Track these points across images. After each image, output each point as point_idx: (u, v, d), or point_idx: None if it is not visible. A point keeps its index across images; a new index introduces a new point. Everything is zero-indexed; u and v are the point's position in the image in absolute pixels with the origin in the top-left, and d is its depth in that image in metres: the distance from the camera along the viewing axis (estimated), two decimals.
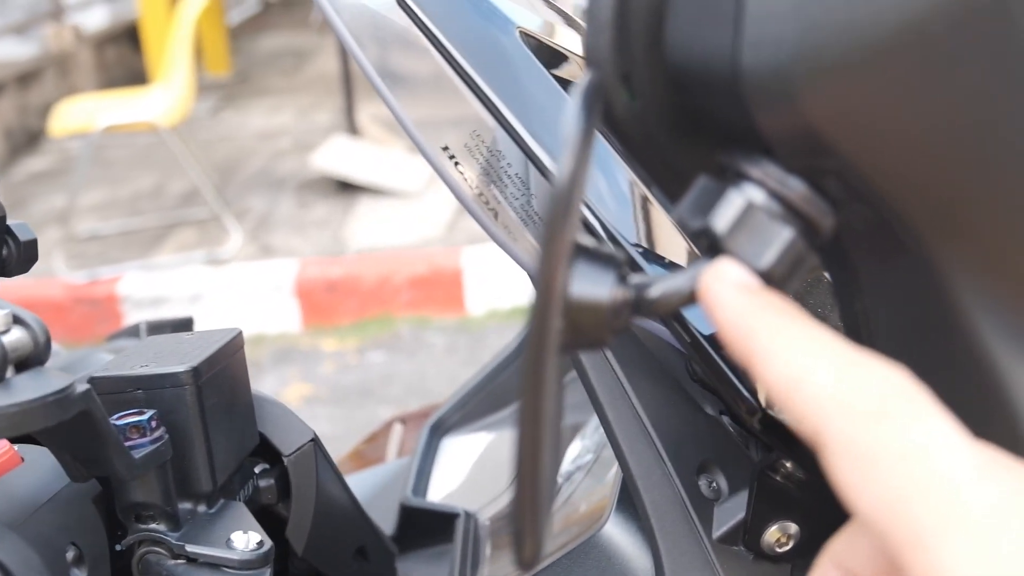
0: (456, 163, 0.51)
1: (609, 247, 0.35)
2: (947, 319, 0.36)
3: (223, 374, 0.58)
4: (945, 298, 0.36)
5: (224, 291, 3.62)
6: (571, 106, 0.30)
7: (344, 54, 4.52)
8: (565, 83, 0.52)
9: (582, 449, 0.91)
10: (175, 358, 0.57)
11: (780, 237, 0.33)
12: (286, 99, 5.93)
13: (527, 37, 0.52)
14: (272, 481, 0.62)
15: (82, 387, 0.47)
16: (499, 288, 3.53)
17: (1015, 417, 0.38)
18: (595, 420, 0.92)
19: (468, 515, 0.80)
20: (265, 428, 0.63)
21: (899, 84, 0.30)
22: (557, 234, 0.28)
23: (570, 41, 0.54)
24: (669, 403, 0.56)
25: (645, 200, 0.52)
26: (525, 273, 0.57)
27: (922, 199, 0.33)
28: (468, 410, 0.97)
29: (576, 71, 0.53)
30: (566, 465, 0.90)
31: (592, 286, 0.34)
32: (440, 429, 0.97)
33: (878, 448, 0.28)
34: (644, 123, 0.37)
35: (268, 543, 0.54)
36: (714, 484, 0.55)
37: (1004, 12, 0.30)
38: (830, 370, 0.29)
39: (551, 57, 0.52)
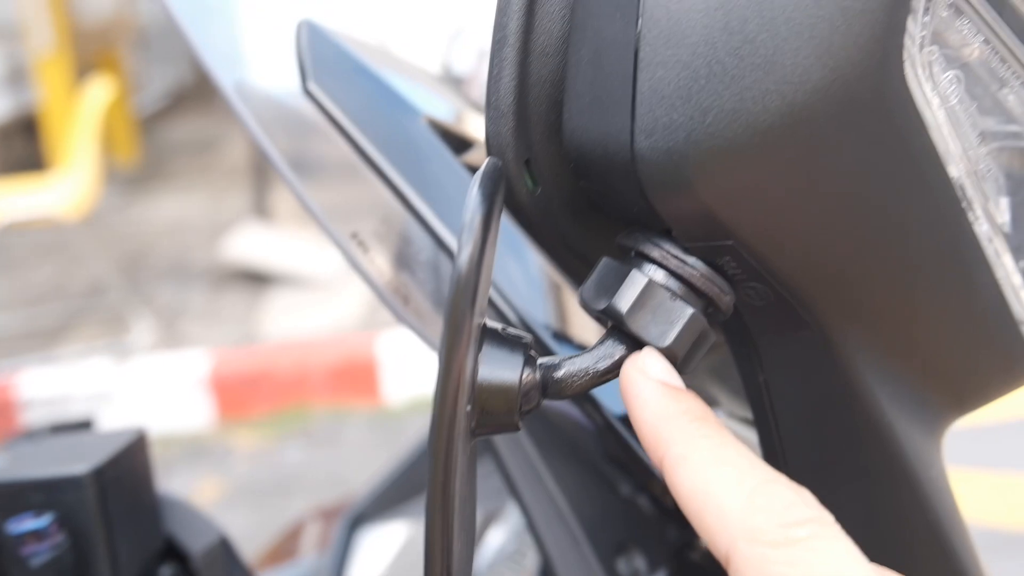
0: (365, 250, 0.50)
1: (516, 330, 0.35)
2: (846, 389, 0.37)
3: (126, 475, 0.56)
4: (843, 370, 0.37)
5: (132, 387, 3.53)
6: (471, 192, 0.30)
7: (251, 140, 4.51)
8: (473, 169, 0.52)
9: (505, 537, 0.89)
10: (75, 459, 0.54)
11: (682, 315, 0.35)
12: (197, 188, 5.89)
13: (434, 125, 0.52)
14: None
15: None
16: (417, 376, 3.50)
17: (915, 477, 0.39)
18: (515, 509, 0.91)
19: None
20: (171, 529, 0.60)
21: (786, 167, 0.31)
22: (461, 318, 0.28)
23: (477, 128, 0.54)
24: (584, 484, 0.56)
25: (553, 283, 0.53)
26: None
27: (813, 278, 0.34)
28: (385, 500, 0.96)
29: (483, 157, 0.53)
30: (489, 555, 0.89)
31: (500, 369, 0.34)
32: (357, 521, 0.94)
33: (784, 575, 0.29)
34: (546, 208, 0.38)
35: None
36: (633, 565, 0.55)
37: (881, 102, 0.32)
38: (740, 493, 0.31)
39: (458, 144, 0.53)
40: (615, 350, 0.35)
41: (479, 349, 0.33)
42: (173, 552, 0.60)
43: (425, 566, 0.30)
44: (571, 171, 0.37)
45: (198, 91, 8.16)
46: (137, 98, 6.92)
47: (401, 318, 0.51)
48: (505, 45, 0.35)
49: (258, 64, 0.52)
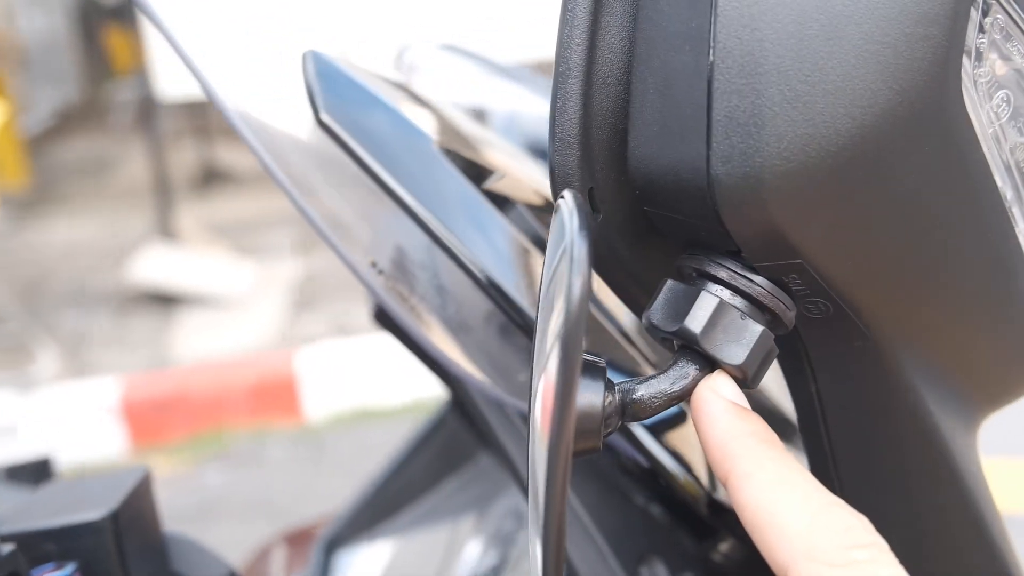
0: (385, 278, 0.50)
1: (592, 355, 0.36)
2: (895, 394, 0.40)
3: (138, 516, 0.55)
4: (893, 375, 0.39)
5: (39, 418, 3.43)
6: (570, 225, 0.31)
7: (156, 160, 4.43)
8: (491, 196, 0.53)
9: (482, 550, 0.90)
10: (89, 505, 0.54)
11: (753, 333, 0.36)
12: (93, 210, 5.74)
13: (447, 152, 0.53)
14: None
15: (7, 548, 0.44)
16: (338, 391, 3.47)
17: (958, 474, 0.42)
18: (493, 520, 0.91)
19: None
20: (179, 568, 0.60)
21: (854, 187, 0.33)
22: (575, 350, 0.29)
23: (489, 155, 0.55)
24: (604, 497, 0.57)
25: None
26: (467, 384, 0.56)
27: (874, 291, 0.36)
28: (362, 520, 0.95)
29: (506, 183, 0.54)
30: (467, 570, 0.89)
31: (585, 395, 0.35)
32: (334, 543, 0.94)
33: None
34: (606, 234, 0.39)
35: None
36: (655, 573, 0.56)
37: (941, 121, 0.34)
38: (803, 514, 0.33)
39: (470, 170, 0.53)
40: (688, 371, 0.37)
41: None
42: None
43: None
44: (633, 198, 0.38)
45: (87, 111, 7.96)
46: (23, 119, 6.72)
47: (426, 344, 0.51)
48: (569, 77, 0.36)
49: (263, 94, 0.52)
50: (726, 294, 0.36)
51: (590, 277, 0.29)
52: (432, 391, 3.21)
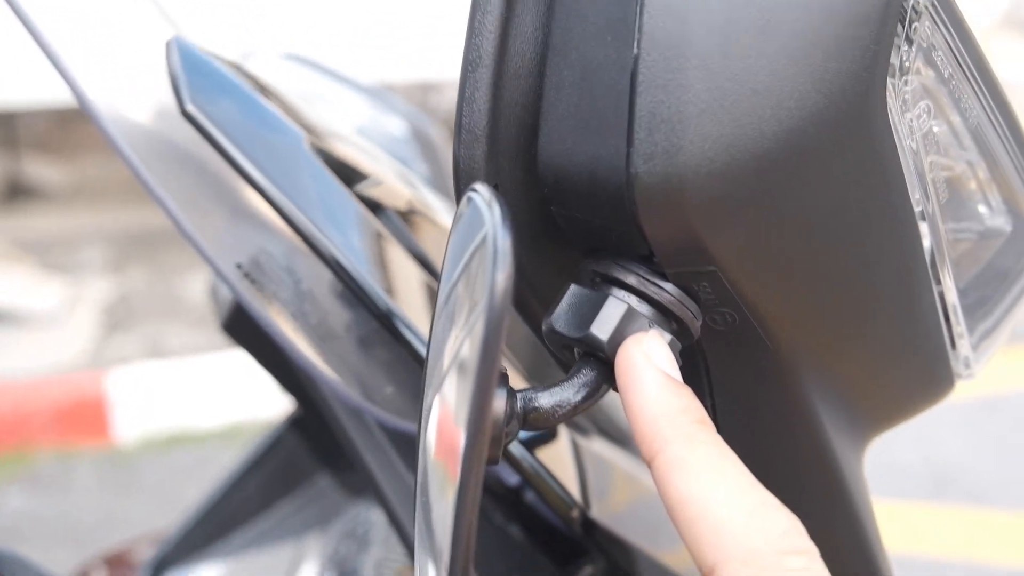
0: (252, 281, 0.49)
1: None
2: (792, 409, 0.39)
3: None
4: (791, 391, 0.38)
5: None
6: (491, 217, 0.29)
7: None
8: (361, 198, 0.51)
9: (319, 573, 0.88)
10: None
11: None
12: None
13: (316, 148, 0.51)
14: None
15: None
16: (151, 414, 3.34)
17: (846, 492, 0.42)
18: (331, 542, 0.89)
19: None
20: None
21: (777, 193, 0.33)
22: (494, 350, 0.28)
23: (358, 155, 0.54)
24: None
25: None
26: (331, 391, 0.55)
27: (784, 303, 0.36)
28: (191, 541, 0.91)
29: (372, 184, 0.53)
30: None
31: None
32: (162, 565, 0.90)
33: None
34: None
35: None
36: None
37: (865, 129, 0.34)
38: (739, 511, 0.31)
39: (337, 167, 0.52)
40: (591, 379, 0.35)
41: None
42: None
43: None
44: (538, 197, 0.37)
45: None
46: None
47: (290, 350, 0.50)
48: (479, 66, 0.35)
49: (125, 84, 0.50)
50: (633, 300, 0.35)
51: (513, 271, 0.28)
52: (249, 416, 3.14)
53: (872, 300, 0.38)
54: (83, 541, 2.69)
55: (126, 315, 3.93)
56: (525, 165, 0.36)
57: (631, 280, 0.35)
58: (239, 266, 0.49)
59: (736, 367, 0.39)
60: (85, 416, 3.31)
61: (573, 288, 0.36)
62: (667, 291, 0.35)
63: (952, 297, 0.40)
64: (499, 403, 0.33)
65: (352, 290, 0.49)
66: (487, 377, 0.27)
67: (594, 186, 0.34)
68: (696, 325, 0.36)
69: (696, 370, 0.40)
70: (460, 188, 0.36)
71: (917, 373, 0.42)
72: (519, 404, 0.34)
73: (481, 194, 0.31)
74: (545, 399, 0.35)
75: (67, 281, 4.08)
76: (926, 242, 0.38)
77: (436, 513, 0.31)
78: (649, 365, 0.34)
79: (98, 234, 4.46)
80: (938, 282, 0.39)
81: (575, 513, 0.50)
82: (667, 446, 0.32)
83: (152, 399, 3.33)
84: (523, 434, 0.52)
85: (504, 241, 0.28)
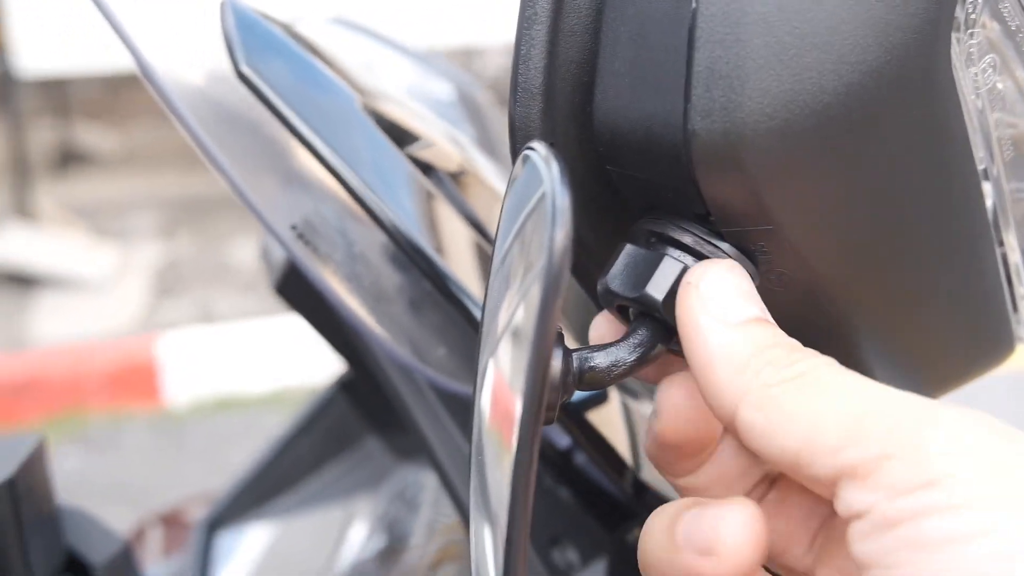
0: (306, 243, 0.49)
1: None
2: (844, 364, 0.39)
3: (34, 484, 0.52)
4: (848, 354, 0.38)
5: None
6: (550, 174, 0.29)
7: (13, 138, 4.24)
8: (415, 161, 0.52)
9: (367, 534, 0.89)
10: None
11: None
12: None
13: (370, 111, 0.51)
14: None
15: None
16: (200, 378, 3.38)
17: None
18: (380, 504, 0.90)
19: None
20: (72, 540, 0.57)
21: (837, 149, 0.32)
22: (552, 306, 0.27)
23: (410, 117, 0.54)
24: None
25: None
26: (384, 353, 0.55)
27: (843, 263, 0.35)
28: (244, 502, 0.93)
29: (423, 146, 0.53)
30: (352, 554, 0.88)
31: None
32: (215, 524, 0.91)
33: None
34: None
35: None
36: (567, 557, 0.55)
37: (928, 83, 0.33)
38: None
39: (392, 130, 0.52)
40: (646, 338, 0.35)
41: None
42: (74, 564, 0.57)
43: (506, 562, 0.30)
44: (594, 156, 0.36)
45: None
46: None
47: (345, 311, 0.50)
48: (535, 23, 0.34)
49: (180, 46, 0.50)
50: (690, 260, 0.35)
51: (572, 230, 0.28)
52: (295, 382, 3.16)
53: (933, 261, 0.37)
54: (135, 501, 2.74)
55: (176, 280, 3.98)
56: (581, 123, 0.36)
57: (687, 240, 0.35)
58: (293, 227, 0.49)
59: (793, 329, 0.38)
60: (136, 380, 3.36)
61: (628, 248, 0.36)
62: (723, 250, 0.35)
63: (1015, 258, 0.39)
64: (555, 363, 0.33)
65: (405, 252, 0.49)
66: (544, 340, 0.27)
67: (650, 143, 0.33)
68: (754, 286, 0.35)
69: None
70: (516, 147, 0.35)
71: (978, 336, 0.41)
72: (575, 364, 0.34)
73: (539, 152, 0.31)
74: (601, 358, 0.35)
75: (118, 247, 4.13)
76: (989, 202, 0.37)
77: (492, 478, 0.32)
78: (704, 311, 0.33)
79: (149, 200, 4.51)
80: (1001, 243, 0.38)
81: (626, 476, 0.50)
82: (741, 405, 0.31)
83: (201, 363, 3.38)
84: (575, 396, 0.52)
85: (563, 199, 0.28)
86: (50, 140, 4.96)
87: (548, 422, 0.33)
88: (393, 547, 0.85)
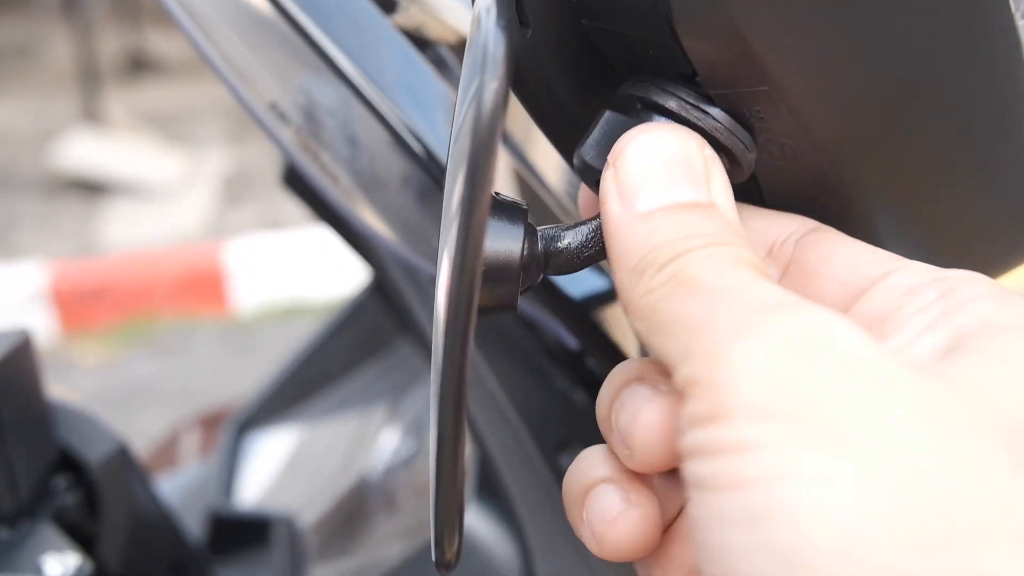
0: (287, 122, 0.45)
1: (510, 196, 0.31)
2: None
3: (15, 380, 0.50)
4: (864, 239, 0.33)
5: None
6: (485, 22, 0.25)
7: (83, 45, 4.26)
8: (406, 33, 0.47)
9: (399, 440, 0.87)
10: None
11: None
12: (17, 94, 5.53)
13: None
14: (79, 496, 0.55)
15: None
16: (268, 284, 3.40)
17: None
18: (410, 410, 0.88)
19: (284, 520, 0.74)
20: (66, 437, 0.55)
21: None
22: (483, 174, 0.23)
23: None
24: (523, 380, 0.52)
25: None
26: (361, 248, 0.52)
27: (854, 132, 0.30)
28: (273, 404, 0.91)
29: (413, 15, 0.49)
30: (384, 459, 0.86)
31: (500, 241, 0.29)
32: (245, 426, 0.90)
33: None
34: (535, 54, 0.32)
35: (88, 566, 0.47)
36: None
37: None
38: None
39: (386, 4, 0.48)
40: None
41: None
42: (69, 462, 0.55)
43: (435, 478, 0.26)
44: (571, 8, 0.32)
45: None
46: None
47: (330, 199, 0.47)
48: None
49: None
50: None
51: (507, 81, 0.24)
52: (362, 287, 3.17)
53: (964, 129, 0.32)
54: (205, 405, 2.79)
55: (244, 187, 4.00)
56: None
57: (671, 104, 0.30)
58: (274, 106, 0.45)
59: (800, 208, 0.33)
60: (204, 286, 3.40)
61: (608, 114, 0.31)
62: (713, 117, 0.30)
63: None
64: (513, 242, 0.29)
65: (397, 135, 0.45)
66: (476, 200, 0.23)
67: None
68: (749, 158, 0.31)
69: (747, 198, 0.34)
70: None
71: (1015, 222, 0.36)
72: (540, 244, 0.30)
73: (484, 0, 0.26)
74: (570, 238, 0.31)
75: (187, 153, 4.16)
76: None
77: (438, 361, 0.28)
78: (613, 196, 0.28)
79: (217, 107, 4.52)
80: None
81: None
82: (630, 312, 0.27)
83: (269, 270, 3.40)
84: (581, 295, 0.48)
85: (497, 47, 0.24)
86: (120, 47, 4.98)
87: (505, 308, 0.30)
88: (421, 454, 0.83)
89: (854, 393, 0.22)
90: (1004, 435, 0.22)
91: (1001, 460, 0.22)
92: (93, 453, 0.55)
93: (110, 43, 4.83)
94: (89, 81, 4.35)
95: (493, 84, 0.23)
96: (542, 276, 0.31)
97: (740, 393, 0.23)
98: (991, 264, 0.37)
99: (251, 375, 3.01)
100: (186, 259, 3.45)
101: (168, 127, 4.37)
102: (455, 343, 0.24)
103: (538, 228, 0.31)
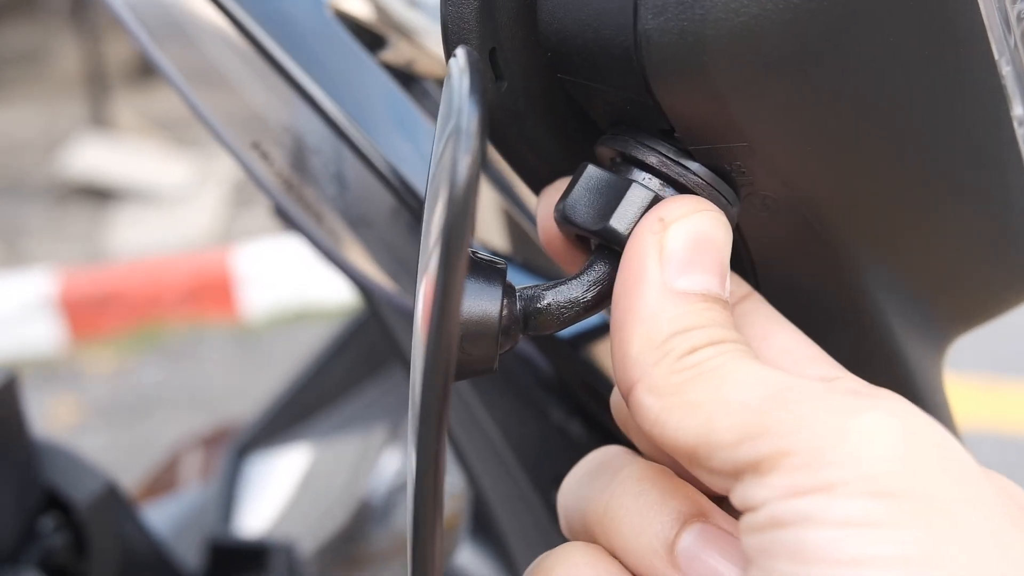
0: (270, 163, 0.44)
1: (488, 254, 0.30)
2: (853, 309, 0.33)
3: (2, 421, 0.49)
4: (850, 287, 0.33)
5: None
6: (459, 89, 0.24)
7: (91, 47, 4.26)
8: (390, 69, 0.46)
9: (402, 460, 0.86)
10: None
11: None
12: (26, 100, 5.54)
13: (341, 16, 0.46)
14: (67, 537, 0.54)
15: None
16: (278, 290, 3.40)
17: (921, 402, 0.36)
18: (404, 431, 0.87)
19: (284, 548, 0.73)
20: (53, 478, 0.54)
21: (818, 48, 0.26)
22: (459, 242, 0.22)
23: (392, 21, 0.48)
24: (517, 413, 0.51)
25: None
26: (353, 281, 0.51)
27: (836, 184, 0.30)
28: (272, 426, 0.90)
29: (403, 51, 0.47)
30: (387, 480, 0.85)
31: (478, 302, 0.28)
32: (245, 449, 0.89)
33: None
34: (512, 106, 0.32)
35: None
36: None
37: None
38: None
39: (369, 39, 0.47)
40: (604, 275, 0.30)
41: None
42: (56, 503, 0.54)
43: (414, 507, 0.25)
44: (545, 62, 0.31)
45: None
46: None
47: (313, 237, 0.46)
48: None
49: None
50: (656, 185, 0.29)
51: (482, 154, 0.23)
52: None
53: (946, 179, 0.31)
54: (215, 411, 2.78)
55: (253, 192, 3.99)
56: (529, 24, 0.30)
57: (652, 160, 0.29)
58: (256, 145, 0.44)
59: (785, 260, 0.32)
60: (214, 291, 3.40)
61: (589, 169, 0.31)
62: (693, 172, 0.29)
63: None
64: (490, 305, 0.28)
65: (379, 174, 0.44)
66: (450, 274, 0.22)
67: (599, 48, 0.28)
68: (732, 212, 0.30)
69: (740, 269, 0.34)
70: (449, 51, 0.30)
71: (1007, 264, 0.35)
72: (519, 305, 0.29)
73: (458, 60, 0.26)
74: (551, 298, 0.30)
75: (196, 158, 4.16)
76: (1014, 114, 0.31)
77: (415, 427, 0.27)
78: (654, 262, 0.28)
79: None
80: None
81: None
82: (638, 384, 0.27)
83: (278, 275, 3.39)
84: (571, 330, 0.47)
85: (470, 119, 0.23)
86: (128, 52, 4.99)
87: (483, 371, 0.29)
88: None
89: (964, 483, 0.24)
90: None
91: None
92: (80, 493, 0.54)
93: (118, 48, 4.83)
94: (97, 87, 4.36)
95: (466, 159, 0.22)
96: (519, 338, 0.30)
97: (859, 467, 0.23)
98: (981, 306, 0.36)
99: (261, 381, 3.01)
100: (195, 265, 3.45)
101: (177, 132, 4.37)
102: (430, 424, 0.23)
103: (517, 288, 0.30)
